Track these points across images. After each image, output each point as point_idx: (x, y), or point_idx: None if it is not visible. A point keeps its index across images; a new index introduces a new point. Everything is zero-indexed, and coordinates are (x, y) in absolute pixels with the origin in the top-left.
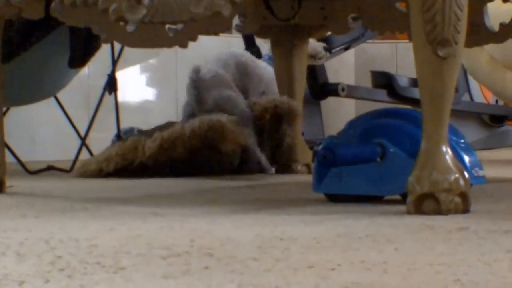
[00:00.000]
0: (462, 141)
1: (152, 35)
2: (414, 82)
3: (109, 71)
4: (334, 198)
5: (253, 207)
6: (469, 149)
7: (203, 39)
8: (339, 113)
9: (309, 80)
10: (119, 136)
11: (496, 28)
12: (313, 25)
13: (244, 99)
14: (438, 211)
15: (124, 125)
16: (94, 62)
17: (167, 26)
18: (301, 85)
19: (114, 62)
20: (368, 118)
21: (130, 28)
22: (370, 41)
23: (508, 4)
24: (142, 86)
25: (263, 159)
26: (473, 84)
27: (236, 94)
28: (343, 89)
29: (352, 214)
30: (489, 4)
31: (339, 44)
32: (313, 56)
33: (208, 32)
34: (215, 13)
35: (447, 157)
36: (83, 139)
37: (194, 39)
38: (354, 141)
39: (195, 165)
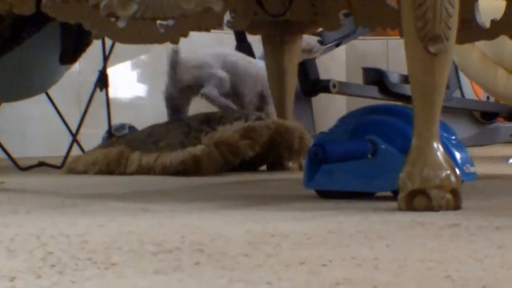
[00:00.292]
0: (453, 137)
1: (143, 31)
2: (405, 79)
3: (100, 67)
4: (325, 195)
5: (244, 203)
6: (460, 146)
7: (194, 35)
8: (330, 110)
9: (300, 77)
10: (110, 133)
11: (488, 24)
12: (304, 21)
13: (236, 99)
14: (429, 208)
15: (115, 121)
16: (85, 58)
17: (158, 22)
18: (292, 82)
19: (105, 58)
20: (359, 115)
21: (121, 24)
22: (361, 37)
23: (499, 1)
24: (133, 82)
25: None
26: (464, 80)
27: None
28: (334, 86)
29: (343, 210)
30: (480, 1)
31: (330, 41)
32: (308, 51)
33: (199, 28)
34: (206, 9)
35: (438, 153)
36: (74, 135)
37: (185, 35)
38: (345, 137)
39: None
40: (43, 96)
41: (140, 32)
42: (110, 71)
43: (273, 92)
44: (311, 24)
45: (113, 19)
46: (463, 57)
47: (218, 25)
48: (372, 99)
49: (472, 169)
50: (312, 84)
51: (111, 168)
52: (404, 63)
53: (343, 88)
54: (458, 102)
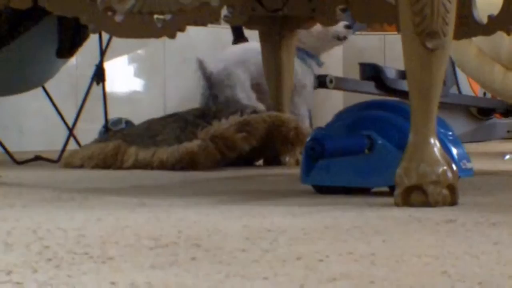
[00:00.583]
0: (450, 133)
1: (140, 25)
2: (402, 74)
3: (97, 61)
4: (322, 190)
5: (241, 198)
6: (457, 142)
7: (191, 30)
8: (327, 105)
9: None
10: (107, 127)
11: (485, 20)
12: (301, 17)
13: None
14: (426, 203)
15: (112, 115)
16: (82, 52)
17: (155, 16)
18: (290, 77)
19: (102, 53)
20: (356, 110)
21: (118, 18)
22: (358, 33)
23: None
24: (130, 77)
25: None
26: (461, 77)
27: (247, 96)
28: (331, 81)
29: (340, 206)
30: None
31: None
32: (338, 38)
33: (196, 23)
34: (203, 3)
35: (435, 149)
36: (70, 130)
37: (182, 29)
38: (342, 133)
39: None
40: (40, 90)
41: (137, 26)
42: (107, 65)
43: (270, 87)
44: (309, 19)
45: (110, 14)
46: (460, 53)
47: (215, 20)
48: (369, 94)
49: (469, 165)
50: None
51: (108, 162)
52: (401, 58)
53: (340, 84)
54: (455, 98)
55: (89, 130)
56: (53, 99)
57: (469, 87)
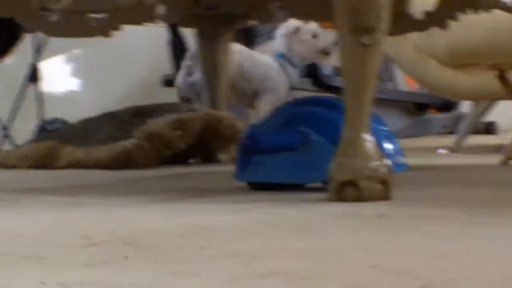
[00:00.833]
0: (384, 128)
1: (75, 24)
2: (338, 71)
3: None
4: (257, 187)
5: (177, 196)
6: (391, 137)
7: (129, 28)
8: None
9: None
10: (42, 127)
11: (420, 16)
12: (237, 14)
13: None
14: (359, 198)
15: (50, 115)
16: (17, 52)
17: (90, 15)
18: (226, 74)
19: (37, 52)
20: (291, 107)
21: (53, 17)
22: None
23: None
24: (67, 77)
25: None
26: (398, 72)
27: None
28: None
29: (275, 202)
30: None
31: (263, 34)
32: (322, 52)
33: (131, 22)
34: (138, 2)
35: (369, 144)
36: (6, 130)
37: (117, 28)
38: (277, 129)
39: None
40: None
41: (72, 25)
42: (44, 65)
43: (207, 84)
44: (245, 17)
45: (45, 13)
46: (397, 49)
47: (150, 19)
48: (307, 91)
49: (402, 160)
50: None
51: (43, 162)
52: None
53: None
54: (391, 94)
55: (25, 130)
56: None
57: (404, 83)
